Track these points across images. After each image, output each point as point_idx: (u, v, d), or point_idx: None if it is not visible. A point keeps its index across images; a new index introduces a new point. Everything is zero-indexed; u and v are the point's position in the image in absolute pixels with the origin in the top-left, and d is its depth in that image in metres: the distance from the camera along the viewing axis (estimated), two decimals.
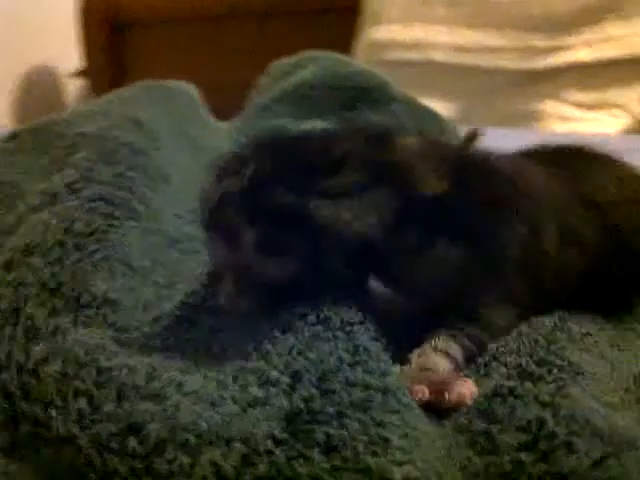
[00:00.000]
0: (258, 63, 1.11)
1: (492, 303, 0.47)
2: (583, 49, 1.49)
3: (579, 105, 1.46)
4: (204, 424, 0.34)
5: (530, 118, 1.47)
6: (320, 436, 0.33)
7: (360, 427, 0.34)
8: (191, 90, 1.04)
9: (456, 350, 0.45)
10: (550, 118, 1.46)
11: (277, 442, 0.33)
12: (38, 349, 0.40)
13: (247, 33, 1.63)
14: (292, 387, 0.37)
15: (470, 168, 0.47)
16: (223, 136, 1.02)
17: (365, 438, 0.33)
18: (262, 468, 0.32)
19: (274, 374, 0.38)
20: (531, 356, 0.43)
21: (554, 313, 0.50)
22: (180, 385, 0.37)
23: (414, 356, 0.45)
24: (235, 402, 0.36)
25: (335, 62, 1.00)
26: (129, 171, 0.68)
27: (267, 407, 0.36)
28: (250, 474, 0.32)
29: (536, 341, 0.45)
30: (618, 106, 1.42)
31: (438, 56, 1.56)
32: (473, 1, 1.55)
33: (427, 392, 0.40)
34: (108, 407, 0.35)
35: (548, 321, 0.48)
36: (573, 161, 0.58)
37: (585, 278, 0.51)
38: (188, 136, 0.90)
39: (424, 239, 0.45)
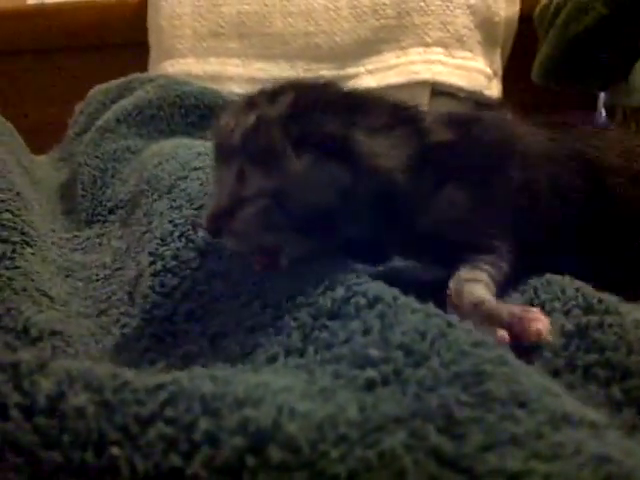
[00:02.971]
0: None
1: (497, 235, 0.49)
2: (367, 77, 1.60)
3: None
4: (348, 415, 0.28)
5: None
6: (502, 394, 0.29)
7: (526, 379, 0.31)
8: (4, 120, 0.92)
9: (484, 276, 0.46)
10: None
11: (470, 406, 0.29)
12: (45, 383, 0.29)
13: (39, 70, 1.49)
14: (415, 359, 0.33)
15: (472, 123, 0.52)
16: (47, 168, 0.91)
17: (538, 387, 0.30)
18: (476, 432, 0.27)
19: (374, 352, 0.33)
20: (577, 299, 0.43)
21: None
22: (266, 385, 0.30)
23: (454, 296, 0.45)
24: (345, 388, 0.31)
25: (172, 82, 0.95)
26: (1, 193, 0.56)
27: (395, 384, 0.31)
28: (465, 441, 0.26)
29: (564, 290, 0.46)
30: None
31: (235, 88, 1.56)
32: (261, 34, 1.59)
33: (507, 337, 0.39)
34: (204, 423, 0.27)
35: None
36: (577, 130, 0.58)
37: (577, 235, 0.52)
38: (22, 166, 0.79)
39: (436, 181, 0.48)
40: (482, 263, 0.47)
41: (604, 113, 1.75)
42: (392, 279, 0.44)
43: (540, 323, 0.40)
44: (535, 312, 0.42)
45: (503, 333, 0.40)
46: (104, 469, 0.27)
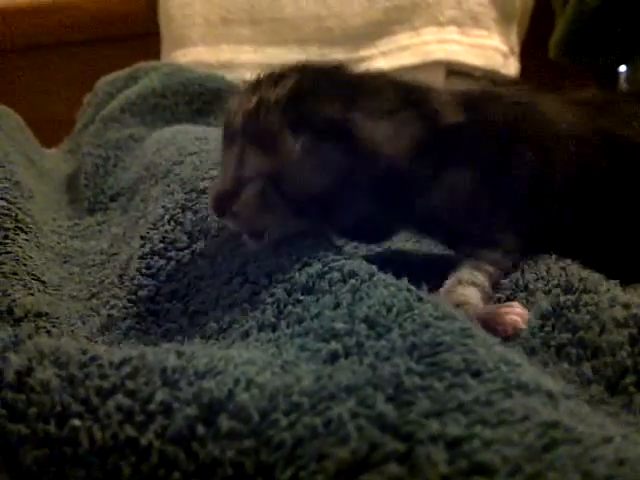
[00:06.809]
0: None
1: (505, 228, 0.48)
2: (380, 59, 1.59)
3: None
4: (303, 384, 0.28)
5: None
6: (455, 364, 0.29)
7: (483, 350, 0.30)
8: (13, 113, 0.93)
9: (481, 279, 0.46)
10: None
11: (420, 375, 0.29)
12: (15, 359, 0.31)
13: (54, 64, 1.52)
14: (377, 332, 0.33)
15: (487, 102, 0.51)
16: (56, 160, 0.93)
17: (495, 357, 0.30)
18: (422, 400, 0.27)
19: (339, 325, 0.34)
20: (560, 277, 0.43)
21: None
22: (229, 359, 0.31)
23: (443, 294, 0.43)
24: (309, 361, 0.31)
25: (176, 69, 0.96)
26: None
27: (355, 356, 0.31)
28: (410, 408, 0.27)
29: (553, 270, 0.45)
30: None
31: (247, 75, 1.55)
32: (272, 19, 1.59)
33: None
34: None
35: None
36: (602, 101, 0.55)
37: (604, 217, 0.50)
38: (28, 158, 0.80)
39: (440, 165, 0.47)
40: (484, 263, 0.47)
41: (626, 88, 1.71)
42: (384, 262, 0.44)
43: (514, 313, 0.40)
44: (510, 304, 0.42)
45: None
46: (66, 440, 0.28)
